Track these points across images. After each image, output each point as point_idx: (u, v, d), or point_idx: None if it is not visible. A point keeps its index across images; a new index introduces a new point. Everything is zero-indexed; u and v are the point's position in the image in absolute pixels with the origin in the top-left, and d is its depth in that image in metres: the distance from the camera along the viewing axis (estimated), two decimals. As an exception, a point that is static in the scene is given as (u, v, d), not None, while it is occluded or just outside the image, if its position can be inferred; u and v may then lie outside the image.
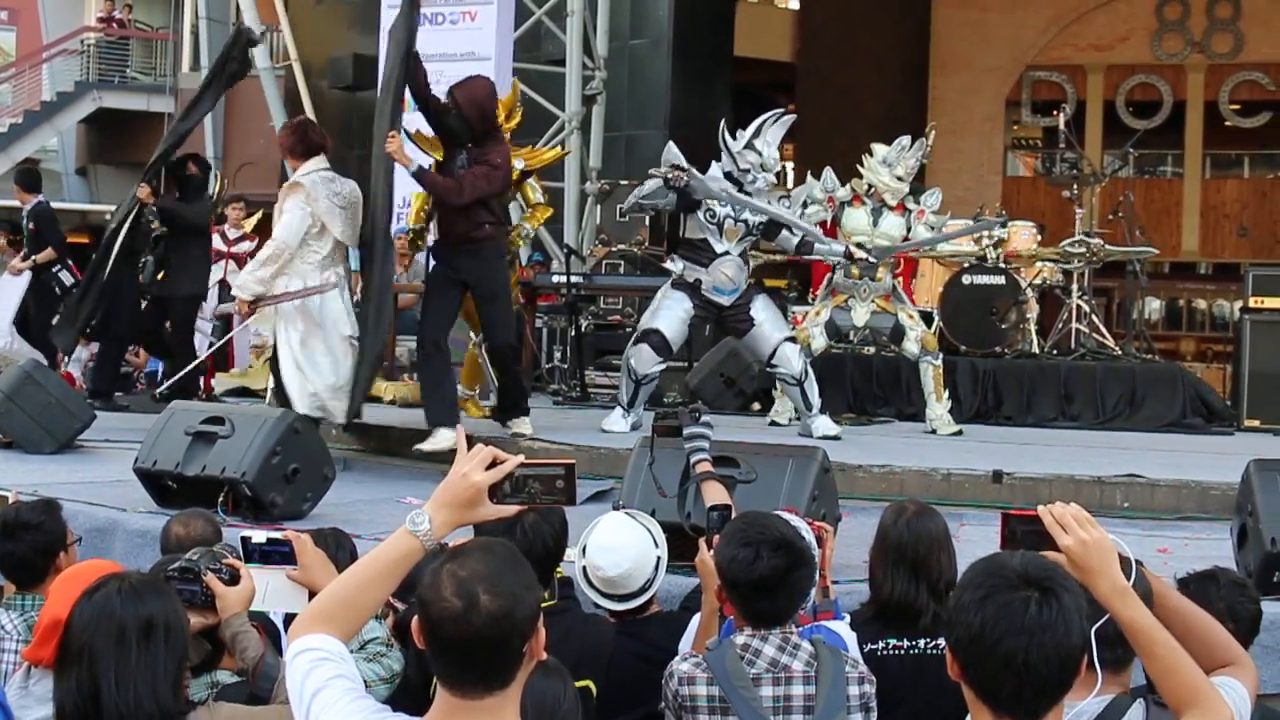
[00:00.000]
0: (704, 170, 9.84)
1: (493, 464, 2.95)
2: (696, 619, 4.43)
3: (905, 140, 10.86)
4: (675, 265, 9.97)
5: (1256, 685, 3.41)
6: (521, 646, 2.72)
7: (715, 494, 4.98)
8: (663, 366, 10.05)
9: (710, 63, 21.72)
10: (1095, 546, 2.82)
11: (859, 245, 10.49)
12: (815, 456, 6.00)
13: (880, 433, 10.88)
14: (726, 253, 9.84)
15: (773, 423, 10.90)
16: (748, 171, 9.75)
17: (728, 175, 9.81)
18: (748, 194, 9.79)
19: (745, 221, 9.83)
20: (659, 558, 4.75)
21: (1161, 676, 2.84)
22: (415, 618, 2.73)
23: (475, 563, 2.71)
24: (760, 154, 9.77)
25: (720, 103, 21.86)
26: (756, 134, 9.83)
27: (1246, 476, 5.89)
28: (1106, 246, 12.12)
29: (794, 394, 10.09)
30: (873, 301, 10.76)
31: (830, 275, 11.01)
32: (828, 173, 10.88)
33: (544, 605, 2.97)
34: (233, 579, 3.91)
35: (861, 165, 10.98)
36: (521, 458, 2.99)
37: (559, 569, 4.64)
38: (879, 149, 10.85)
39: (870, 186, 10.85)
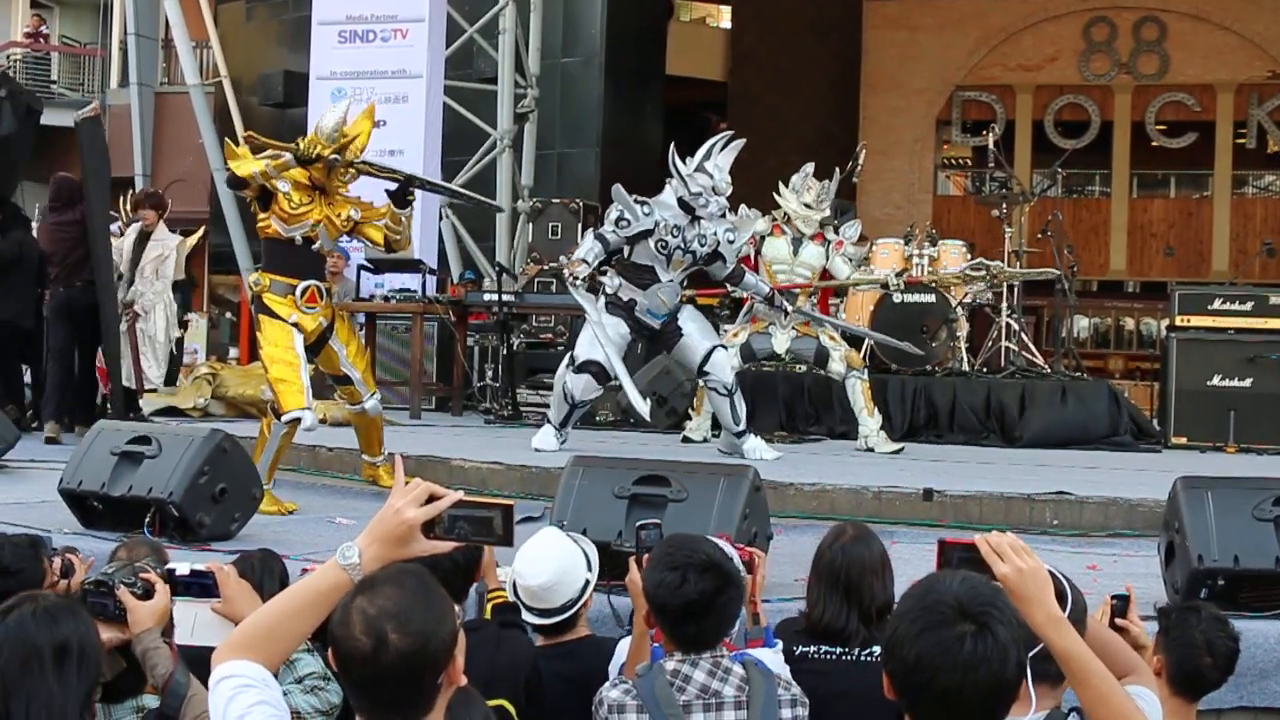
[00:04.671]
0: (657, 193, 9.78)
1: (430, 500, 2.91)
2: (626, 642, 4.40)
3: (809, 167, 10.92)
4: (611, 282, 9.87)
5: (1155, 686, 3.50)
6: (436, 678, 2.70)
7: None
8: (600, 393, 10.02)
9: (642, 81, 21.79)
10: (1031, 575, 2.83)
11: (783, 291, 10.54)
12: (747, 475, 5.98)
13: (812, 450, 10.91)
14: (670, 280, 9.80)
15: (686, 439, 10.91)
16: (699, 195, 9.57)
17: (680, 200, 9.66)
18: (699, 219, 9.69)
19: (693, 252, 9.75)
20: (588, 580, 4.72)
21: (1093, 705, 2.86)
22: (330, 649, 2.70)
23: (385, 598, 2.67)
24: (712, 177, 9.63)
25: (652, 121, 21.95)
26: (706, 157, 9.72)
27: (1173, 494, 5.91)
28: (1006, 269, 12.25)
29: (723, 407, 9.95)
30: (793, 328, 10.80)
31: (751, 301, 11.02)
32: (742, 208, 10.88)
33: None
34: (146, 594, 3.84)
35: (777, 193, 11.04)
36: (459, 495, 2.95)
37: (502, 592, 4.63)
38: (795, 177, 10.94)
39: (786, 215, 10.92)
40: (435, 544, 2.92)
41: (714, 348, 9.94)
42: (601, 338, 9.59)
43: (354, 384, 8.60)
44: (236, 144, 8.28)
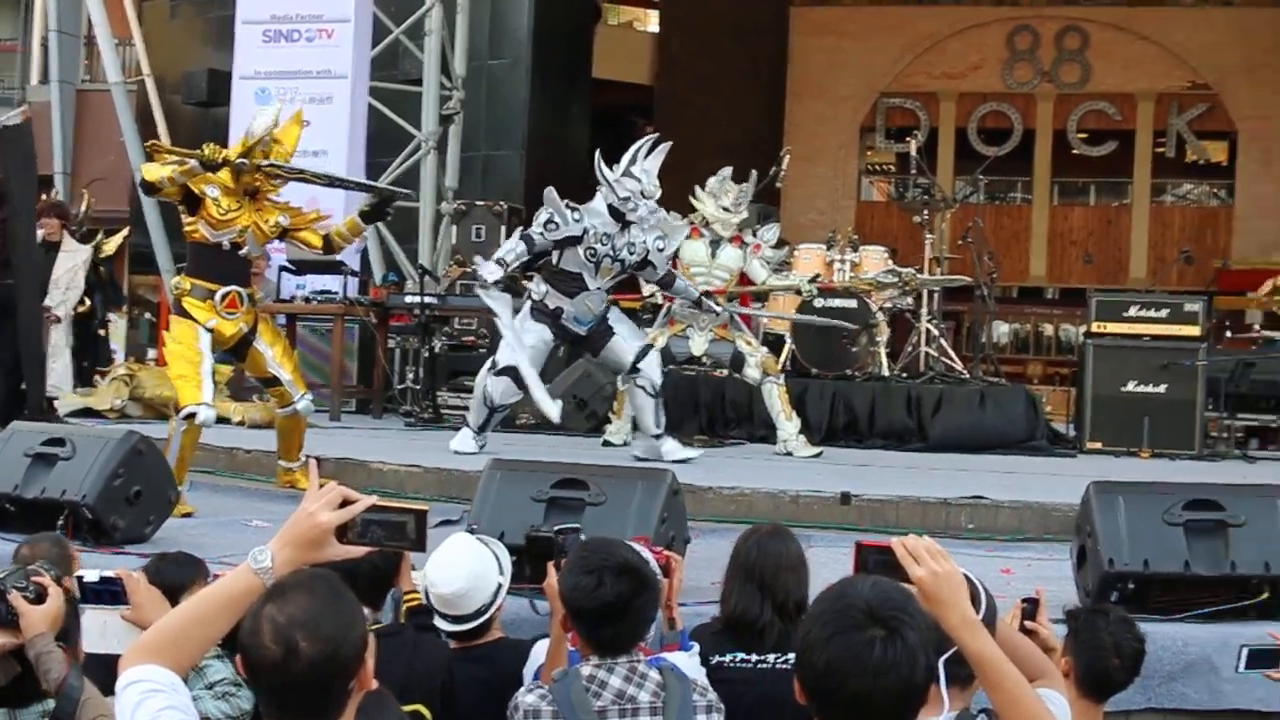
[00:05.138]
0: (584, 195, 9.76)
1: (344, 504, 2.90)
2: (541, 645, 4.40)
3: (727, 171, 10.97)
4: (538, 288, 9.83)
5: (1064, 690, 3.57)
6: (347, 684, 2.69)
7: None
8: (519, 397, 9.99)
9: (569, 84, 21.78)
10: (946, 579, 2.85)
11: (706, 293, 10.56)
12: (664, 479, 6.00)
13: (731, 454, 10.94)
14: (598, 288, 9.77)
15: (606, 443, 10.92)
16: (628, 199, 9.53)
17: (610, 207, 9.60)
18: (629, 223, 9.66)
19: (621, 260, 9.72)
20: (500, 584, 4.71)
21: (1005, 707, 2.88)
22: (239, 655, 2.69)
23: (294, 605, 2.66)
24: (640, 181, 9.59)
25: (578, 124, 21.95)
26: (633, 161, 9.68)
27: (1086, 498, 5.99)
28: (918, 276, 12.33)
29: (647, 407, 9.89)
30: (710, 330, 10.84)
31: (669, 304, 11.04)
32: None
33: (371, 629, 2.93)
34: (39, 598, 3.79)
35: (694, 196, 11.07)
36: (373, 499, 2.93)
37: (417, 595, 4.62)
38: (711, 181, 10.98)
39: (704, 218, 10.96)
40: (348, 549, 2.90)
41: (646, 347, 9.96)
42: (514, 343, 9.57)
43: (283, 385, 8.56)
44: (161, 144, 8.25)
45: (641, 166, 9.68)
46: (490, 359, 10.01)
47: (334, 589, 2.74)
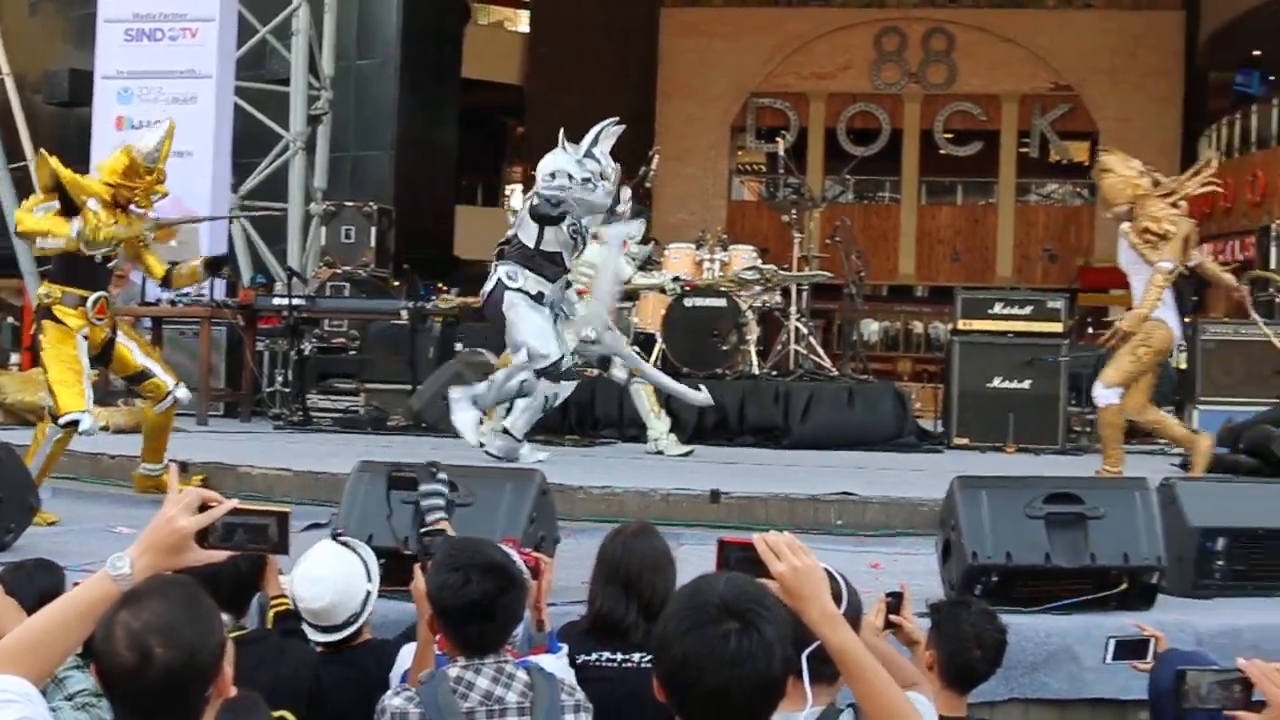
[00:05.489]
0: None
1: (204, 508, 2.86)
2: (408, 649, 4.37)
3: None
4: (527, 283, 9.55)
5: (930, 695, 3.62)
6: (204, 691, 2.65)
7: None
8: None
9: (438, 84, 21.71)
10: (806, 574, 2.86)
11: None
12: (534, 479, 6.00)
13: (602, 454, 10.95)
14: (567, 269, 9.70)
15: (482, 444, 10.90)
16: (588, 180, 9.40)
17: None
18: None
19: (582, 235, 9.67)
20: (369, 591, 4.68)
21: (867, 699, 2.91)
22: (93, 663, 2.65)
23: (149, 612, 2.61)
24: (599, 163, 9.50)
25: (447, 124, 21.88)
26: (594, 143, 9.56)
27: (950, 493, 6.08)
28: (780, 272, 12.44)
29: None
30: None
31: None
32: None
33: (236, 635, 2.90)
34: None
35: None
36: (234, 503, 2.89)
37: (284, 599, 4.58)
38: None
39: None
40: (209, 553, 2.87)
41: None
42: (549, 331, 9.51)
43: (155, 377, 8.46)
44: (21, 144, 8.20)
45: (601, 149, 9.59)
46: (524, 365, 9.56)
47: (191, 595, 2.70)
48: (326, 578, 4.59)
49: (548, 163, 9.45)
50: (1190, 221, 9.13)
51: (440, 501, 5.02)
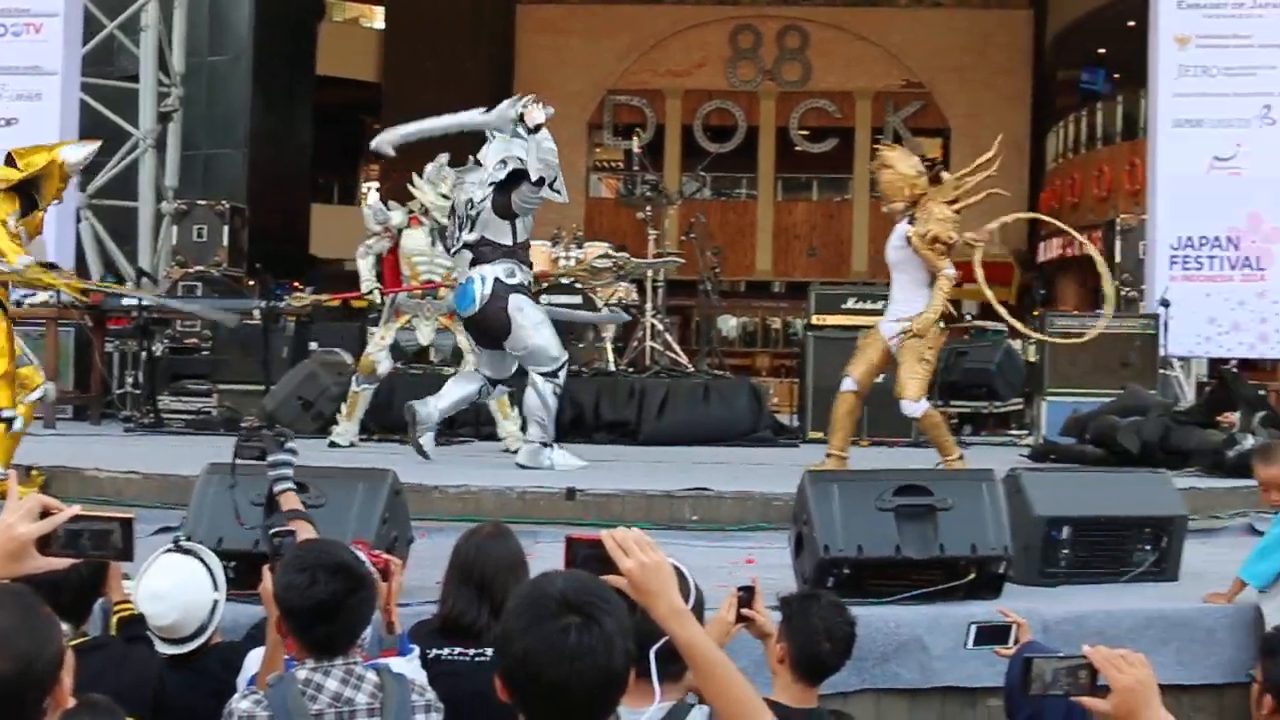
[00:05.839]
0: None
1: (45, 514, 2.80)
2: (255, 655, 4.32)
3: (444, 158, 10.89)
4: (525, 277, 9.49)
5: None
6: (41, 701, 2.60)
7: (303, 530, 4.87)
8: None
9: (292, 81, 21.53)
10: (654, 570, 2.87)
11: (429, 283, 10.52)
12: (386, 479, 5.98)
13: (459, 453, 10.90)
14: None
15: (333, 444, 10.79)
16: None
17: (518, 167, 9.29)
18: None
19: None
20: (216, 600, 4.61)
21: (715, 695, 2.92)
22: None
23: None
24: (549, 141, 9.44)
25: (301, 122, 21.69)
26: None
27: (802, 487, 6.15)
28: (632, 260, 12.51)
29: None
30: (436, 320, 10.82)
31: (393, 297, 10.97)
32: (375, 202, 10.83)
33: (76, 643, 2.85)
34: None
35: (411, 184, 11.01)
36: (76, 509, 2.84)
37: (128, 604, 4.50)
38: (429, 168, 10.91)
39: (424, 207, 10.91)
40: (51, 561, 2.80)
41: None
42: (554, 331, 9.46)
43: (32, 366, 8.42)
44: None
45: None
46: (544, 380, 9.49)
47: (26, 603, 2.64)
48: (170, 593, 4.50)
49: (494, 151, 9.34)
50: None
51: (289, 471, 4.95)
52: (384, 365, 10.73)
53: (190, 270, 14.90)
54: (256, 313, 12.98)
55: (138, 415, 13.02)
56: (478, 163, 9.49)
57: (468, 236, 9.37)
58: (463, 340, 10.86)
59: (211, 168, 19.35)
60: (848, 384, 9.34)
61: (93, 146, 8.36)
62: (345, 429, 10.87)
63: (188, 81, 18.22)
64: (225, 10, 19.93)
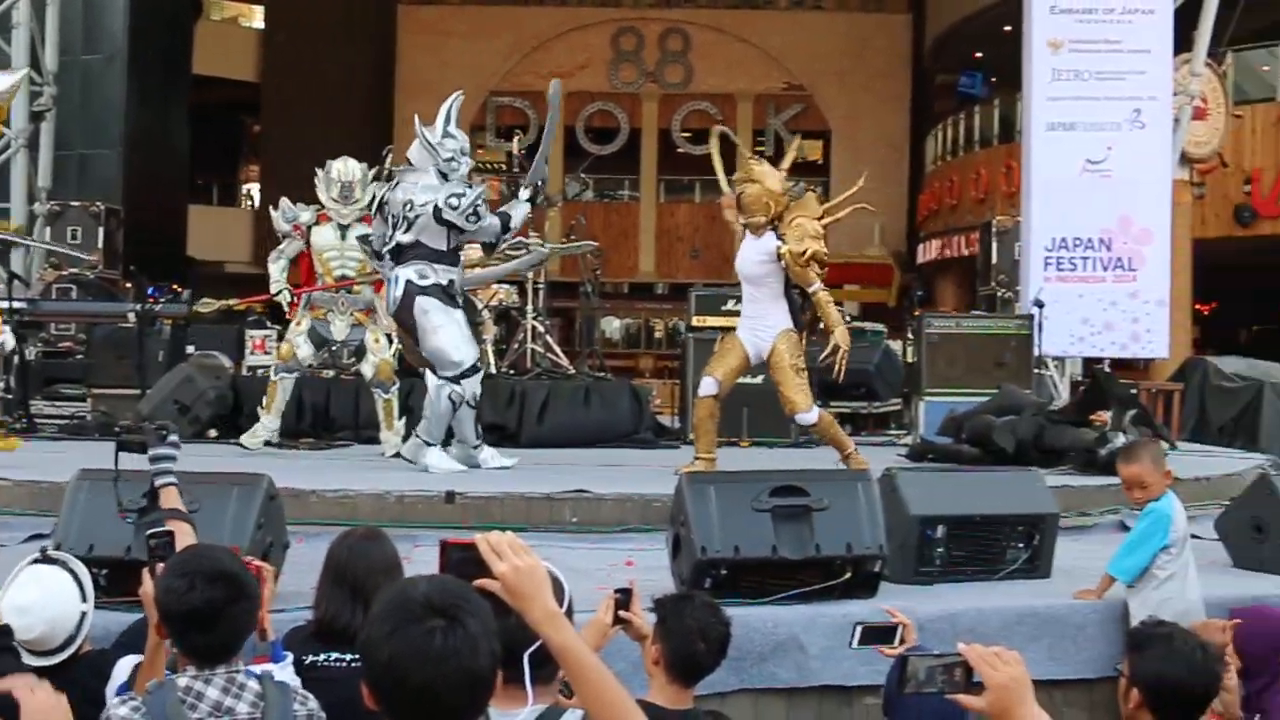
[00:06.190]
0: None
1: None
2: (124, 663, 4.28)
3: (331, 165, 10.90)
4: (438, 276, 9.39)
5: None
6: None
7: (182, 533, 4.81)
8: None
9: (168, 81, 21.23)
10: (528, 573, 2.89)
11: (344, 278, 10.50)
12: (260, 484, 5.93)
13: (338, 456, 10.84)
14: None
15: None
16: (451, 160, 9.33)
17: (438, 171, 9.33)
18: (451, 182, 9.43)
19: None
20: (84, 612, 4.54)
21: (590, 700, 2.94)
22: None
23: None
24: (457, 139, 9.45)
25: (178, 122, 21.41)
26: (447, 121, 9.47)
27: (679, 489, 6.18)
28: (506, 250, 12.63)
29: (468, 419, 9.72)
30: (351, 315, 10.79)
31: (309, 292, 10.92)
32: (284, 204, 10.81)
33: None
34: None
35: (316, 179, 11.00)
36: None
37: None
38: (333, 164, 10.89)
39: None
40: None
41: None
42: (462, 335, 9.45)
43: None
44: None
45: (455, 125, 9.54)
46: (441, 382, 9.48)
47: None
48: (35, 606, 4.42)
49: (447, 189, 9.35)
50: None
51: (171, 465, 4.90)
52: (304, 350, 10.68)
53: (64, 272, 14.67)
54: (131, 316, 12.80)
55: (9, 420, 12.79)
56: (409, 163, 9.55)
57: (402, 237, 9.41)
58: (370, 340, 10.83)
59: (86, 168, 19.05)
60: (708, 386, 9.40)
61: (14, 78, 8.06)
62: (265, 423, 10.79)
63: (61, 80, 17.96)
64: (99, 8, 19.63)
